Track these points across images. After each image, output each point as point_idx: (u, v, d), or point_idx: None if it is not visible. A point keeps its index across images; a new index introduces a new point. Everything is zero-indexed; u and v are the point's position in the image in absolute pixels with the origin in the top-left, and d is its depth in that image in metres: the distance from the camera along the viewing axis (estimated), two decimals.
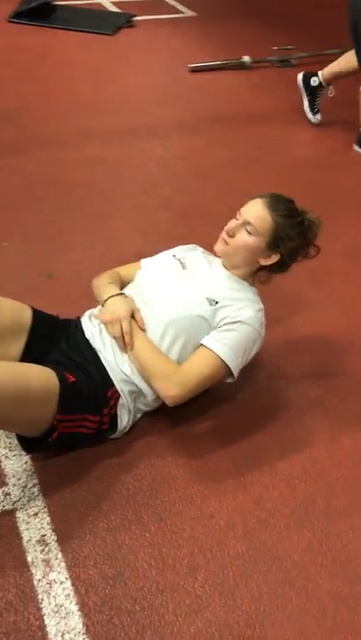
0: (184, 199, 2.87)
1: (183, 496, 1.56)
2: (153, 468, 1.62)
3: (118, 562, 1.40)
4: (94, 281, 1.79)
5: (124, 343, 1.61)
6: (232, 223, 1.71)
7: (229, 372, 1.64)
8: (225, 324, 1.64)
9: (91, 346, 1.65)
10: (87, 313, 1.76)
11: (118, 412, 1.61)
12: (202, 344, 1.63)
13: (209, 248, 1.82)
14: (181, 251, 1.85)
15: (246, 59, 4.50)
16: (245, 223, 1.67)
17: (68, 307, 1.87)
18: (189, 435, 1.73)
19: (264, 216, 1.66)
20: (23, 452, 1.61)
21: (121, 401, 1.61)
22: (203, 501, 1.55)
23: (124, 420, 1.62)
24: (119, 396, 1.60)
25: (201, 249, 1.88)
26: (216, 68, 4.46)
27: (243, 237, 1.68)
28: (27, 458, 1.62)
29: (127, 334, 1.61)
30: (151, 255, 1.88)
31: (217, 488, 1.59)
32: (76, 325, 1.72)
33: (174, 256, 1.81)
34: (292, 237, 1.68)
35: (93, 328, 1.68)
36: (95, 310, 1.74)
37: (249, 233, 1.67)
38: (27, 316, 1.65)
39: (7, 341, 1.60)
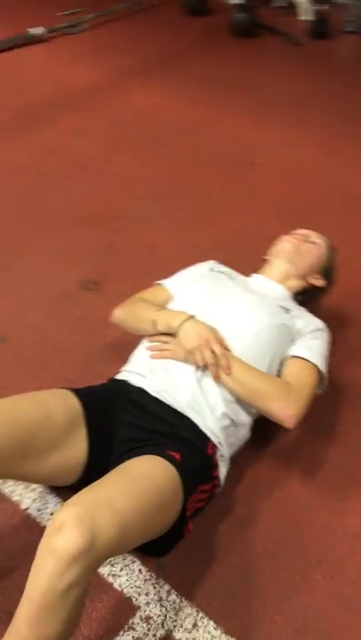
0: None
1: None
2: (277, 515, 1.43)
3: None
4: (128, 313, 1.56)
5: (218, 370, 1.36)
6: (305, 230, 1.70)
7: (320, 382, 1.49)
8: (309, 333, 1.51)
9: (164, 404, 1.36)
10: (133, 369, 1.45)
11: (219, 465, 1.37)
12: (296, 356, 1.46)
13: None
14: (211, 264, 1.69)
15: (37, 31, 4.09)
16: (307, 236, 1.70)
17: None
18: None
19: (320, 240, 1.72)
20: (130, 563, 1.31)
21: (219, 452, 1.37)
22: None
23: (223, 471, 1.39)
24: (216, 446, 1.36)
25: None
26: (5, 49, 4.00)
27: (309, 244, 1.68)
28: (138, 566, 1.31)
29: (223, 357, 1.35)
30: None
31: None
32: (126, 388, 1.41)
33: (212, 270, 1.63)
34: (334, 271, 1.76)
35: (159, 379, 1.39)
36: (146, 350, 1.45)
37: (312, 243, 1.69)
38: (73, 402, 1.31)
39: (69, 440, 1.26)
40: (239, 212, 2.61)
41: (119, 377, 1.46)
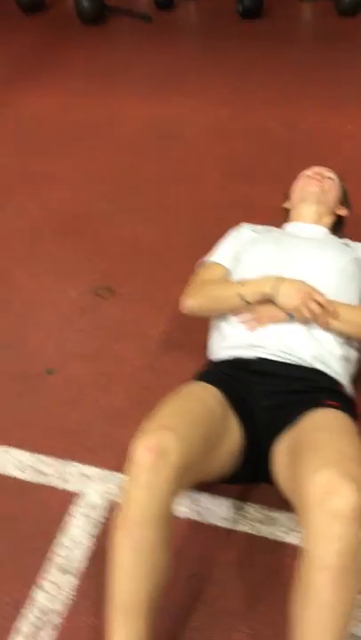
0: None
1: None
2: None
3: None
4: (203, 296, 1.58)
5: (327, 318, 1.44)
6: (316, 168, 1.78)
7: None
8: None
9: (290, 364, 1.43)
10: (237, 343, 1.49)
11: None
12: None
13: None
14: (248, 226, 1.78)
15: None
16: (324, 172, 1.80)
17: None
18: None
19: (333, 175, 1.82)
20: None
21: (346, 390, 1.48)
22: None
23: None
24: (344, 386, 1.47)
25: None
26: None
27: (329, 180, 1.78)
28: None
29: (329, 304, 1.44)
30: None
31: None
32: (242, 363, 1.46)
33: (255, 231, 1.73)
34: (348, 197, 1.88)
35: (275, 343, 1.45)
36: (247, 319, 1.50)
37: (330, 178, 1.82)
38: (214, 390, 1.35)
39: (229, 427, 1.32)
40: (193, 184, 2.66)
41: (223, 357, 1.49)
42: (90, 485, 1.54)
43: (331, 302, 1.45)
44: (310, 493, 1.02)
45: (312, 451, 1.12)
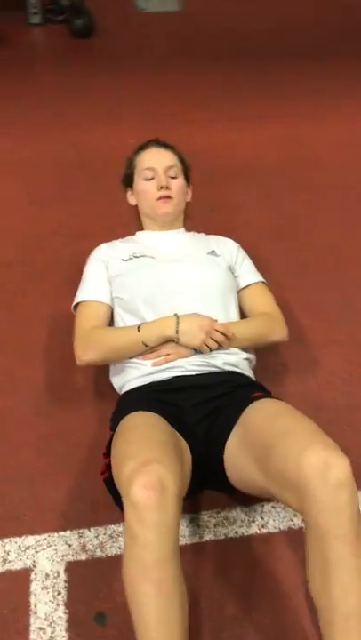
0: None
1: None
2: None
3: None
4: (100, 348, 1.55)
5: (226, 342, 1.52)
6: (156, 178, 1.72)
7: None
8: (240, 260, 1.76)
9: (205, 374, 1.51)
10: (147, 372, 1.51)
11: None
12: (252, 283, 1.72)
13: None
14: (104, 252, 1.75)
15: None
16: (167, 169, 1.73)
17: None
18: None
19: (172, 156, 1.77)
20: None
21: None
22: None
23: None
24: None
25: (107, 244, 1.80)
26: None
27: (175, 182, 1.75)
28: None
29: (227, 330, 1.52)
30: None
31: None
32: (158, 386, 1.49)
33: (135, 255, 1.69)
34: (188, 170, 1.84)
35: (185, 361, 1.51)
36: (159, 357, 1.53)
37: (174, 177, 1.74)
38: (157, 417, 1.36)
39: (181, 445, 1.35)
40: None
41: (139, 384, 1.51)
42: (36, 555, 1.41)
43: (227, 328, 1.53)
44: (307, 474, 1.08)
45: (284, 437, 1.19)
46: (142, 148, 1.78)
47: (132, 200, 1.84)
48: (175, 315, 1.51)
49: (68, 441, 1.66)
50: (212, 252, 1.73)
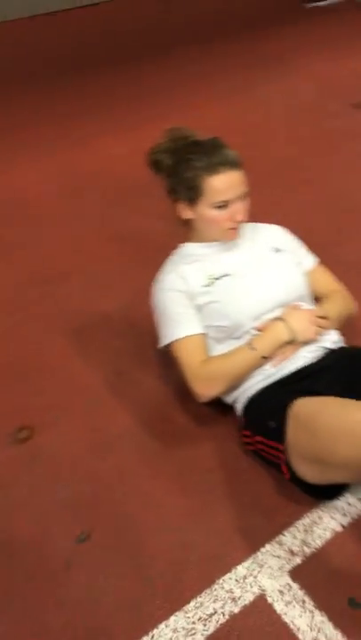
0: None
1: None
2: None
3: None
4: (219, 379, 1.60)
5: (324, 326, 1.64)
6: (229, 207, 1.58)
7: None
8: (290, 243, 1.81)
9: (325, 356, 1.61)
10: (273, 372, 1.58)
11: None
12: (310, 269, 1.80)
13: None
14: (185, 272, 1.67)
15: None
16: (243, 195, 1.60)
17: None
18: None
19: (242, 177, 1.60)
20: None
21: None
22: None
23: None
24: None
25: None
26: None
27: (245, 205, 1.63)
28: None
29: (324, 315, 1.63)
30: None
31: None
32: (290, 378, 1.58)
33: (227, 275, 1.65)
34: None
35: (312, 349, 1.62)
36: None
37: (243, 199, 1.63)
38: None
39: None
40: None
41: (263, 386, 1.58)
42: (257, 580, 1.42)
43: (322, 313, 1.63)
44: None
45: None
46: (215, 170, 1.55)
47: (187, 214, 1.65)
48: (279, 318, 1.57)
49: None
50: (276, 250, 1.72)
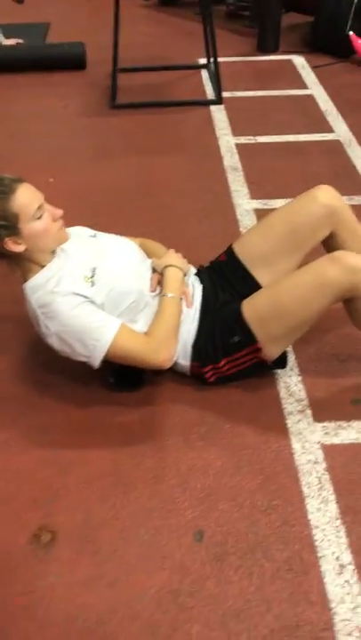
0: None
1: None
2: None
3: None
4: (166, 332, 1.69)
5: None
6: (47, 209, 1.61)
7: None
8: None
9: (202, 274, 1.94)
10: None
11: None
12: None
13: None
14: (73, 285, 1.64)
15: None
16: (41, 205, 1.60)
17: None
18: None
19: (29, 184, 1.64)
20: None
21: None
22: None
23: None
24: None
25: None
26: None
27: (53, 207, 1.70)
28: None
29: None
30: None
31: None
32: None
33: (95, 267, 1.68)
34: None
35: (192, 277, 1.90)
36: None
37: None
38: None
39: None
40: None
41: (198, 319, 1.79)
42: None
43: (169, 249, 1.92)
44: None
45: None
46: (11, 190, 1.54)
47: (18, 247, 1.60)
48: (165, 266, 1.78)
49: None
50: (94, 235, 1.84)
